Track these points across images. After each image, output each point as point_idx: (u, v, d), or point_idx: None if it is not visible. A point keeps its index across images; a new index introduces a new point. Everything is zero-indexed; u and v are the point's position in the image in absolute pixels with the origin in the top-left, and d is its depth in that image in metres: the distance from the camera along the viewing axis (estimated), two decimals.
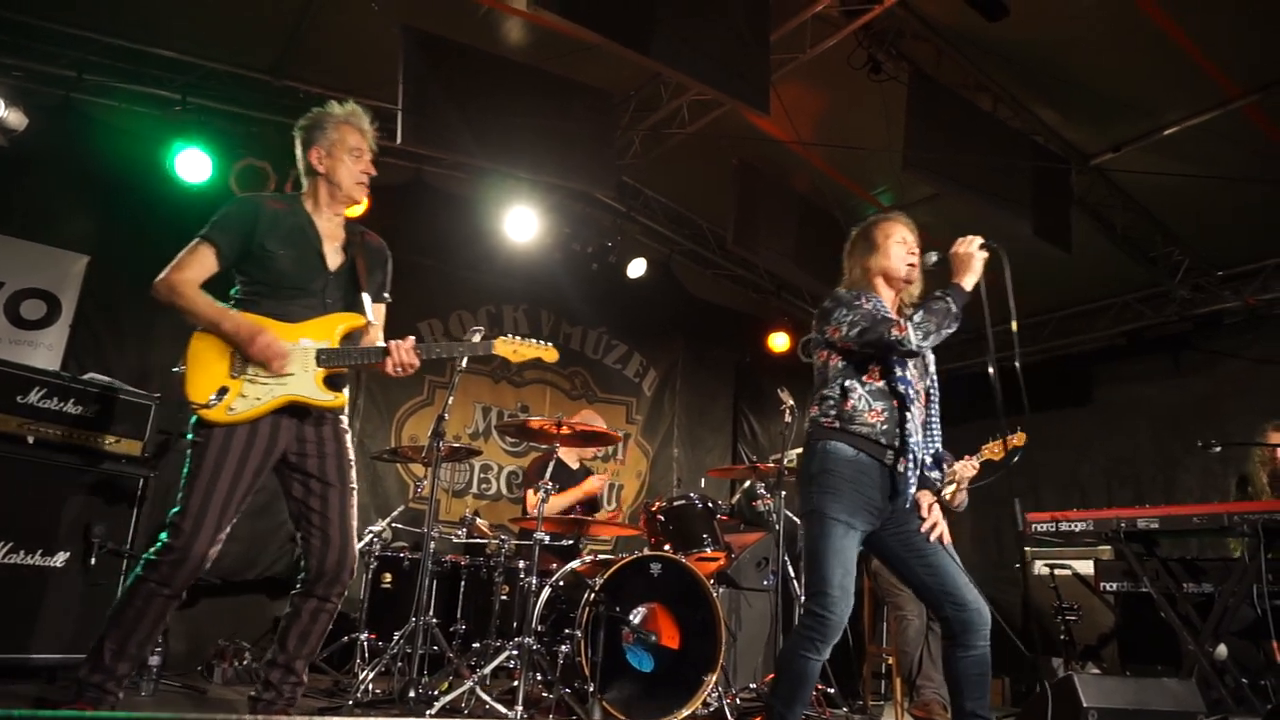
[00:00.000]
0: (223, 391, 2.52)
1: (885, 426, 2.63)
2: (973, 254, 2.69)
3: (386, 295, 2.90)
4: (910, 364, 2.73)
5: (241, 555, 5.14)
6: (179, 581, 2.47)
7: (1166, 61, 4.72)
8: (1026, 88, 5.21)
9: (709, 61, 4.47)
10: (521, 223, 6.08)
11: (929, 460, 2.75)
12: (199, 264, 2.62)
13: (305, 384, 2.60)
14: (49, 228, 4.96)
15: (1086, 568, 5.13)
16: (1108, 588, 4.44)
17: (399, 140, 4.70)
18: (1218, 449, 4.48)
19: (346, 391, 2.71)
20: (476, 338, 3.89)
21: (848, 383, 2.66)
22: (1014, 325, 2.59)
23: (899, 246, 2.81)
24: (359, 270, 2.75)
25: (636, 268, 6.66)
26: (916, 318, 2.57)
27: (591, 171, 5.53)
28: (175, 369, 2.58)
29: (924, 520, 2.65)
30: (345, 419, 2.76)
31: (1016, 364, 2.57)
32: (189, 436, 2.56)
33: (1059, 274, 6.27)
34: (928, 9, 4.80)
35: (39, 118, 4.82)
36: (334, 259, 2.74)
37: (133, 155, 5.13)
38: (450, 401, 3.79)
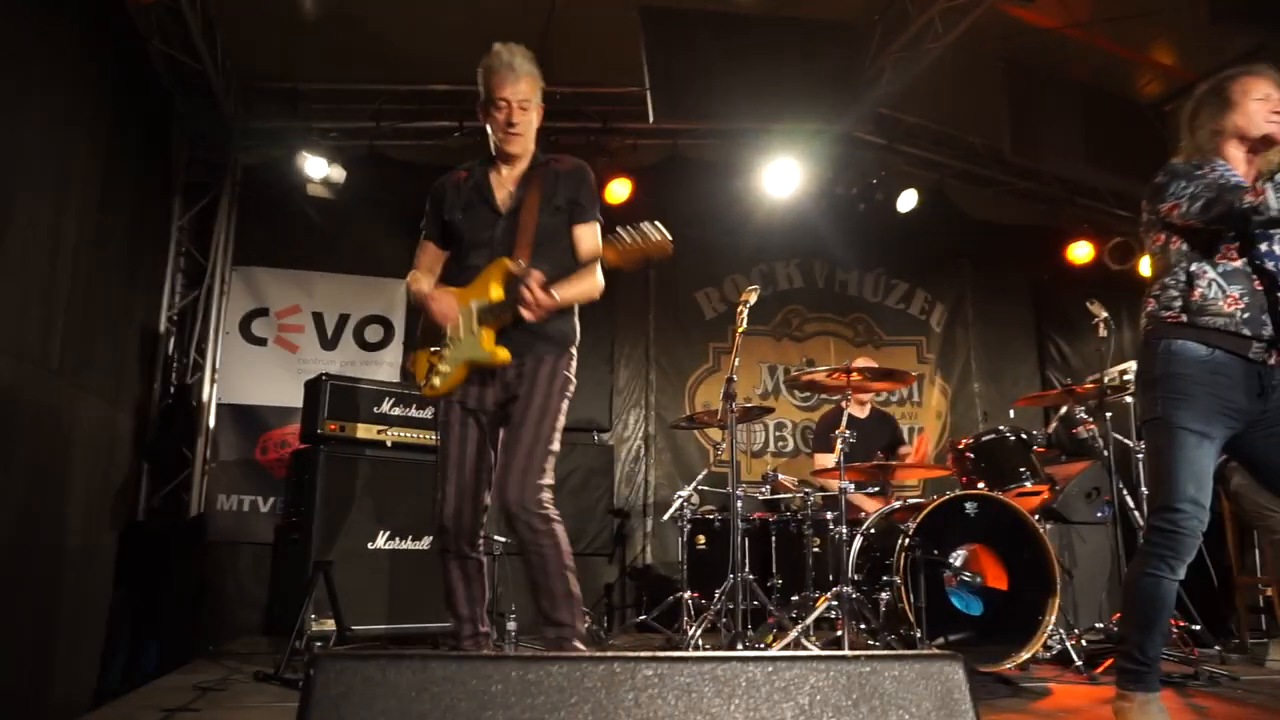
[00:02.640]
0: (430, 370, 2.67)
1: (1248, 315, 2.26)
2: None
3: (590, 216, 2.65)
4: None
5: (571, 530, 5.61)
6: (450, 542, 2.59)
7: None
8: None
9: None
10: (782, 175, 6.01)
11: None
12: (422, 258, 2.80)
13: (473, 346, 2.58)
14: (375, 260, 5.71)
15: None
16: None
17: (651, 119, 4.84)
18: None
19: (536, 344, 2.57)
20: (752, 298, 3.95)
21: (1194, 266, 2.32)
22: None
23: (1259, 104, 2.36)
24: (526, 209, 2.61)
25: (907, 200, 6.32)
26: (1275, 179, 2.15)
27: (845, 109, 5.34)
28: (409, 359, 2.83)
29: None
30: (558, 356, 2.62)
31: None
32: None
33: None
34: None
35: (352, 167, 5.57)
36: (505, 202, 2.67)
37: (425, 183, 5.71)
38: (736, 364, 3.86)
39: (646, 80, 4.80)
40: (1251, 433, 2.31)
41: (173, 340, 5.34)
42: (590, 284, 2.61)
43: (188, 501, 5.15)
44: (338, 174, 5.52)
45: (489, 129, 2.68)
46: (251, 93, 5.48)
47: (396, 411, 4.27)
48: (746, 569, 3.96)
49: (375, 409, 4.21)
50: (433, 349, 2.68)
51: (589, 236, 2.66)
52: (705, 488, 4.77)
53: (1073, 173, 6.07)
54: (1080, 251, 6.67)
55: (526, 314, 2.47)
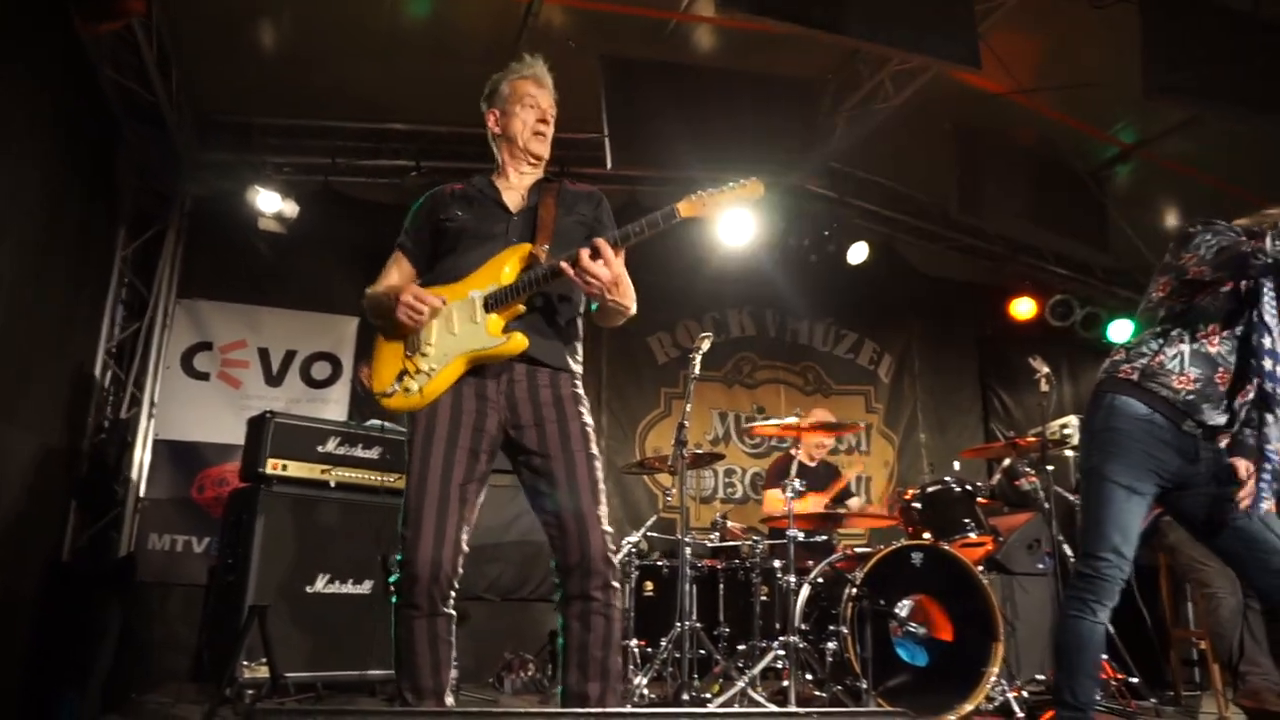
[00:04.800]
0: (402, 375, 2.30)
1: (1192, 398, 2.34)
2: None
3: (612, 236, 2.28)
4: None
5: (515, 575, 5.54)
6: (419, 596, 2.16)
7: None
8: None
9: (907, 27, 4.27)
10: (737, 225, 6.10)
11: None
12: (391, 271, 2.49)
13: (476, 336, 2.25)
14: (324, 297, 5.64)
15: None
16: None
17: (610, 166, 4.89)
18: None
19: (547, 348, 2.31)
20: (705, 344, 3.98)
21: (1175, 332, 2.38)
22: None
23: None
24: (544, 208, 2.39)
25: (858, 253, 6.45)
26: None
27: (799, 162, 5.46)
28: (363, 366, 2.52)
29: (1238, 485, 2.34)
30: (574, 378, 2.36)
31: None
32: (406, 439, 2.31)
33: None
34: None
35: (305, 203, 5.51)
36: (516, 204, 2.44)
37: (380, 221, 5.72)
38: (688, 410, 3.87)
39: (605, 128, 4.86)
40: (1184, 492, 2.38)
41: (110, 374, 5.18)
42: (632, 296, 2.32)
43: (117, 540, 4.96)
44: (291, 209, 5.45)
45: (504, 132, 2.50)
46: (205, 124, 5.41)
47: (342, 451, 4.18)
48: (694, 617, 3.93)
49: (320, 448, 4.12)
50: (407, 352, 2.30)
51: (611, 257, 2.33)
52: (653, 534, 4.74)
53: (1016, 232, 6.26)
54: (1023, 308, 6.87)
55: (587, 282, 2.17)
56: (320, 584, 3.91)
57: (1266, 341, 2.26)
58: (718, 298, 6.69)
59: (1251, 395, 2.39)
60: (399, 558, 2.20)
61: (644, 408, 6.38)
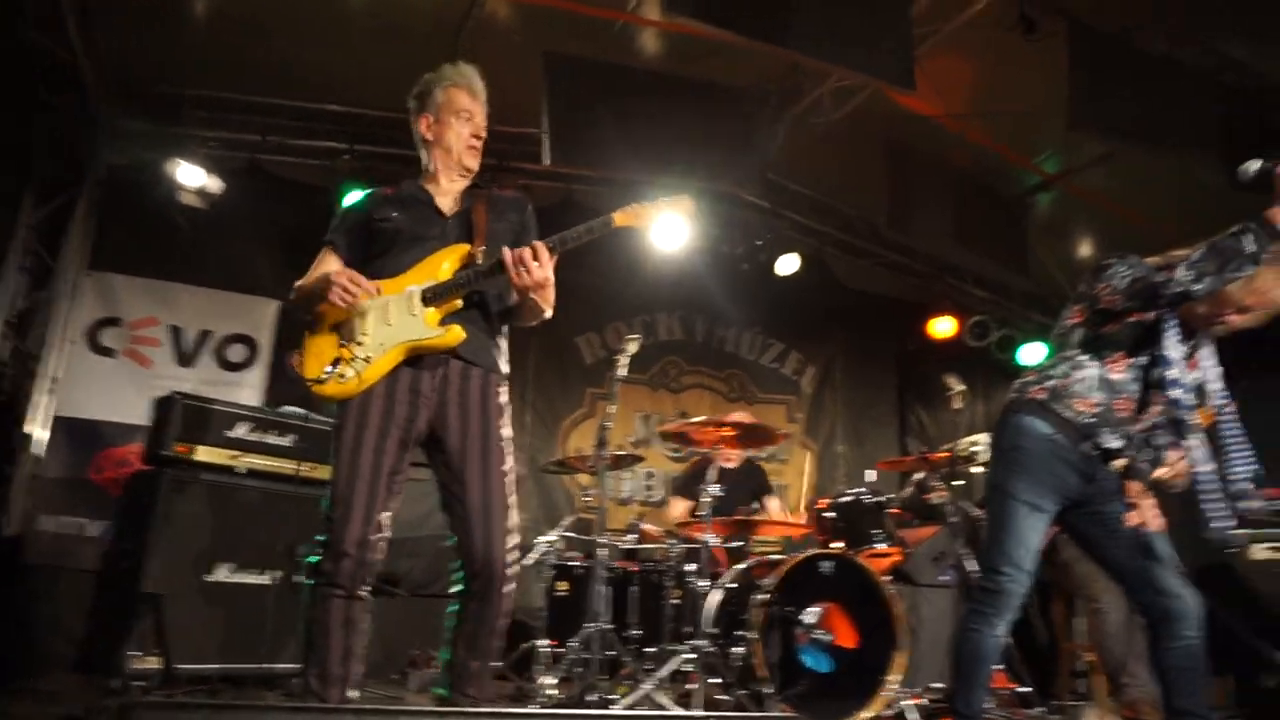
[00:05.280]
0: (336, 362, 2.35)
1: (1093, 422, 2.44)
2: None
3: (551, 240, 2.43)
4: (1182, 365, 2.35)
5: (427, 569, 5.44)
6: (343, 575, 2.24)
7: None
8: (1209, 20, 4.71)
9: (848, 44, 4.36)
10: (670, 230, 6.13)
11: (1232, 479, 2.39)
12: (320, 266, 2.52)
13: (413, 326, 2.33)
14: (244, 277, 5.47)
15: None
16: None
17: (546, 161, 4.86)
18: None
19: (481, 347, 2.42)
20: (632, 346, 3.98)
21: (1083, 358, 2.47)
22: None
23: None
24: (478, 214, 2.49)
25: (788, 263, 6.55)
26: (1194, 254, 2.21)
27: (736, 171, 5.52)
28: (291, 354, 2.48)
29: (1128, 505, 2.45)
30: (502, 380, 2.48)
31: None
32: (332, 426, 2.40)
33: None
34: None
35: (230, 179, 5.34)
36: (449, 208, 2.54)
37: (308, 203, 5.58)
38: (612, 411, 3.87)
39: (545, 124, 4.84)
40: (1079, 510, 2.48)
41: (10, 346, 4.93)
42: (552, 300, 2.50)
43: (3, 521, 4.72)
44: (215, 185, 5.27)
45: (437, 141, 2.56)
46: (127, 91, 5.20)
47: (254, 437, 4.04)
48: (606, 618, 3.93)
49: (229, 433, 3.98)
50: (342, 340, 2.35)
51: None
52: (570, 534, 4.73)
53: (941, 252, 6.44)
54: (943, 326, 7.05)
55: (516, 281, 2.31)
56: (223, 573, 3.77)
57: (1169, 373, 2.35)
58: (648, 301, 6.71)
59: (1148, 423, 2.51)
60: (322, 538, 2.27)
61: (568, 407, 6.36)
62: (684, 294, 6.72)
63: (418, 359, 2.36)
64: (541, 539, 4.51)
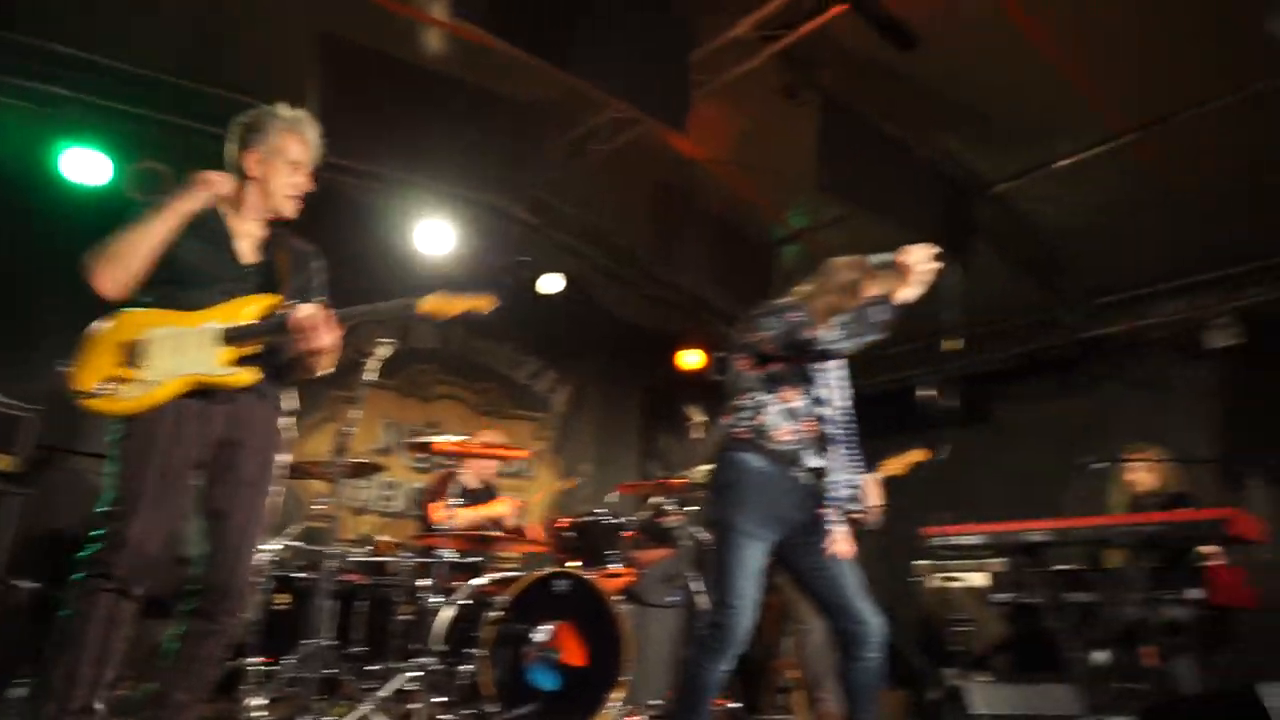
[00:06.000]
0: (113, 380, 2.34)
1: (797, 448, 2.66)
2: (914, 266, 2.60)
3: (321, 299, 2.65)
4: (832, 384, 2.76)
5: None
6: (120, 567, 2.21)
7: (1062, 96, 4.96)
8: (934, 116, 5.41)
9: (629, 79, 4.51)
10: (434, 235, 5.99)
11: (847, 483, 2.76)
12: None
13: (205, 362, 2.38)
14: None
15: (979, 580, 5.30)
16: (999, 599, 4.59)
17: None
18: (1099, 466, 4.71)
19: (270, 387, 2.50)
20: (384, 351, 3.83)
21: (762, 397, 2.68)
22: (959, 344, 2.67)
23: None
24: (280, 267, 2.57)
25: (551, 283, 6.62)
26: (834, 320, 2.59)
27: (508, 185, 5.50)
28: (62, 366, 2.39)
29: (827, 535, 2.69)
30: (284, 416, 2.58)
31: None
32: (110, 437, 2.36)
33: (961, 297, 6.52)
34: (843, 37, 4.93)
35: None
36: (249, 256, 2.57)
37: (17, 153, 4.88)
38: (355, 416, 3.69)
39: (313, 107, 4.56)
40: (792, 540, 2.69)
41: None
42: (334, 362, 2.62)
43: None
44: None
45: (261, 181, 2.57)
46: None
47: None
48: (328, 634, 3.71)
49: None
50: (124, 360, 2.34)
51: None
52: (296, 543, 4.43)
53: (698, 288, 6.79)
54: (691, 359, 7.43)
55: (306, 338, 2.42)
56: None
57: (819, 393, 2.72)
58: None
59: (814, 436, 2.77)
60: (100, 532, 2.25)
61: (308, 408, 5.96)
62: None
63: (209, 391, 2.41)
64: (263, 547, 4.18)
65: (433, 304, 2.64)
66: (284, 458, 2.55)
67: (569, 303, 6.87)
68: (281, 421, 2.56)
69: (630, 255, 7.06)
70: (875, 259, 2.70)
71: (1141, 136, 5.11)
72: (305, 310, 2.44)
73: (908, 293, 2.60)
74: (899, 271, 2.62)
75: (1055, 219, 6.03)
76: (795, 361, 2.71)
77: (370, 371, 3.77)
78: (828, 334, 2.57)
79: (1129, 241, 5.99)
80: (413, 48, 5.05)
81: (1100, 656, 4.00)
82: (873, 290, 2.68)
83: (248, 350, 2.44)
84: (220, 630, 2.38)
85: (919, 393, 4.16)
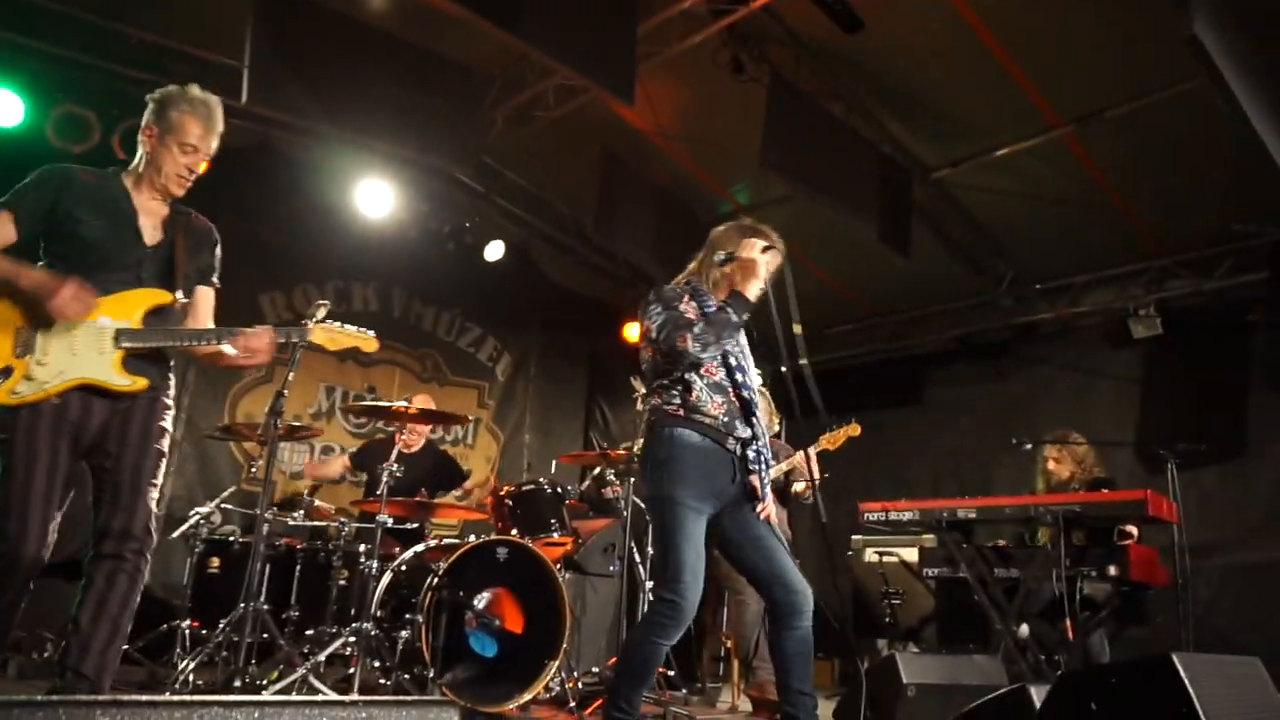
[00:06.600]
0: (6, 372, 2.32)
1: (727, 419, 2.70)
2: (755, 259, 2.71)
3: (215, 280, 2.73)
4: (745, 353, 2.82)
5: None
6: (16, 586, 2.31)
7: (1001, 88, 5.08)
8: (877, 100, 5.49)
9: (576, 47, 4.46)
10: (375, 197, 5.86)
11: (769, 448, 2.84)
12: None
13: (99, 366, 2.39)
14: None
15: (912, 555, 5.47)
16: (929, 573, 4.75)
17: (244, 100, 4.43)
18: (1028, 447, 4.90)
19: (156, 376, 2.50)
20: (321, 313, 3.74)
21: (688, 375, 2.70)
22: (797, 328, 2.74)
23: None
24: (178, 250, 2.57)
25: (494, 250, 6.55)
26: (697, 329, 2.62)
27: (451, 149, 5.41)
28: None
29: (760, 503, 2.73)
30: (168, 397, 2.57)
31: (804, 363, 2.77)
32: None
33: (897, 280, 6.66)
34: (790, 16, 4.96)
35: None
36: (151, 235, 2.55)
37: None
38: (291, 378, 3.61)
39: (246, 59, 4.40)
40: (724, 515, 2.72)
41: None
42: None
43: None
44: None
45: (152, 158, 2.55)
46: None
47: None
48: (262, 599, 3.66)
49: None
50: (18, 351, 2.33)
51: (212, 301, 2.72)
52: (230, 506, 4.35)
53: (640, 260, 6.77)
54: (634, 331, 7.45)
55: (244, 357, 2.55)
56: None
57: (736, 363, 2.77)
58: (345, 268, 6.36)
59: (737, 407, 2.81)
60: None
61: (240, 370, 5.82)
62: (384, 266, 6.45)
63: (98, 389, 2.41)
64: (195, 511, 4.10)
65: (322, 335, 2.76)
66: (163, 445, 2.54)
67: (513, 270, 6.82)
68: (165, 411, 2.56)
69: (575, 225, 7.02)
70: (716, 256, 2.80)
71: (1074, 130, 5.27)
72: (258, 335, 2.55)
73: (753, 287, 2.70)
74: (739, 269, 2.71)
75: (992, 207, 6.19)
76: (673, 364, 2.72)
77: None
78: (693, 345, 2.60)
79: (1062, 231, 6.19)
80: (354, 2, 4.91)
81: (1024, 630, 4.18)
82: (736, 277, 2.75)
83: (138, 351, 2.45)
84: (132, 567, 2.38)
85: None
